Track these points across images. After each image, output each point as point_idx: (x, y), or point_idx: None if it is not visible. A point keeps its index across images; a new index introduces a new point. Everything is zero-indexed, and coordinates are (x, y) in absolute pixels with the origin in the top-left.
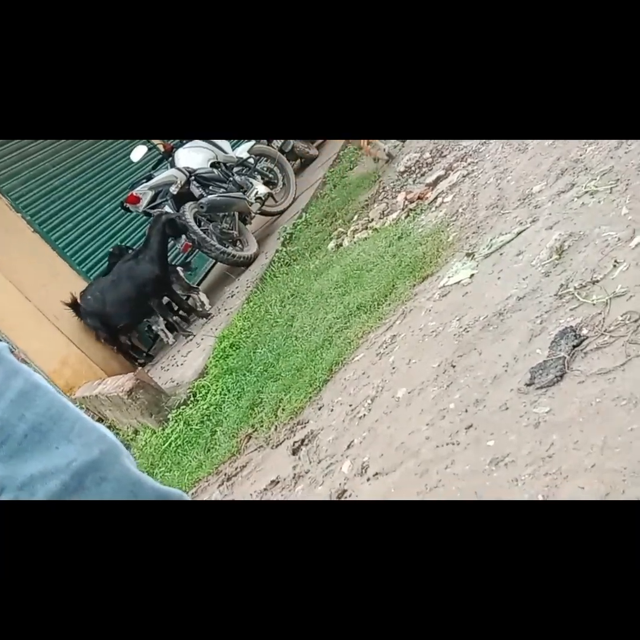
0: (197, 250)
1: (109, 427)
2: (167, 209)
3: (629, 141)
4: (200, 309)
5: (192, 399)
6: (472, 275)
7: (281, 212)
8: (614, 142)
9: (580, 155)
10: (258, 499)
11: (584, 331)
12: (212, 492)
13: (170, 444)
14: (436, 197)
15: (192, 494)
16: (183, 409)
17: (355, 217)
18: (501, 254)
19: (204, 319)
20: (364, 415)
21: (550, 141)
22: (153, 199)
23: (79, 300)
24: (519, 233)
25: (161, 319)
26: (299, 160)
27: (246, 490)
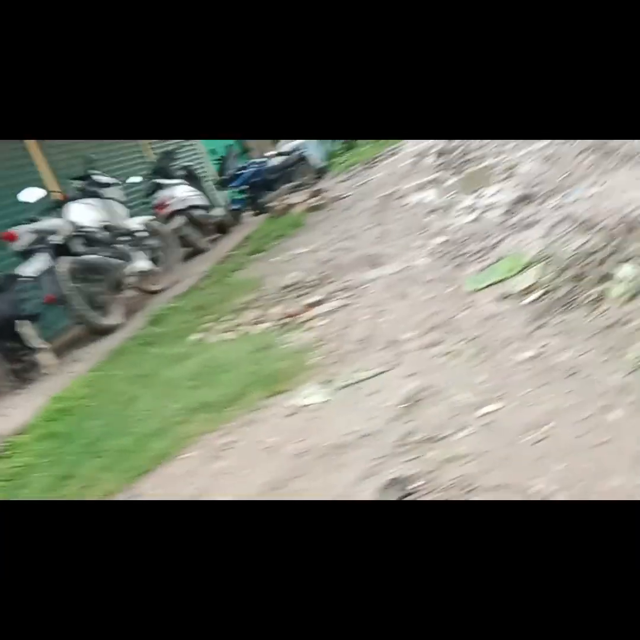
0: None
1: None
2: (42, 256)
3: (502, 315)
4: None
5: (5, 453)
6: (323, 402)
7: (156, 292)
8: (486, 313)
9: (455, 316)
10: None
11: (415, 484)
12: None
13: None
14: (310, 319)
15: None
16: None
17: (228, 316)
18: (356, 389)
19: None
20: None
21: (432, 295)
22: (32, 242)
23: None
24: (378, 374)
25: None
26: (189, 248)
27: None
